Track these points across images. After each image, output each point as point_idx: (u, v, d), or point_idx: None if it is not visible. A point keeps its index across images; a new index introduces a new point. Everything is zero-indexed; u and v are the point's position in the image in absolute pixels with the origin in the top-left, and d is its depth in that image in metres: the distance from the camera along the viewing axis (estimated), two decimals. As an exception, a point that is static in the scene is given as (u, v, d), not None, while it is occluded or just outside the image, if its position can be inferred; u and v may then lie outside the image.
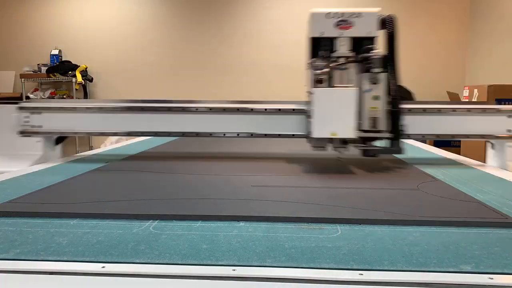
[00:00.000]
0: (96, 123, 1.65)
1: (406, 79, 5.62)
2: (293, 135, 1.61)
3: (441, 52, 5.61)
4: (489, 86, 3.81)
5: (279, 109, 1.62)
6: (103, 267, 0.67)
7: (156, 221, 0.89)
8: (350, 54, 1.44)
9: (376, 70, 1.40)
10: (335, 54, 1.44)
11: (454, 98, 4.91)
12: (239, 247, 0.74)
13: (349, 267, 0.66)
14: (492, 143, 1.68)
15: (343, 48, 1.44)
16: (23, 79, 5.70)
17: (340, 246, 0.75)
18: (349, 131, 1.36)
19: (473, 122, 1.59)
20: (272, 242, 0.77)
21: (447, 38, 5.60)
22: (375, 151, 1.45)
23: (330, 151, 1.50)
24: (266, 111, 1.62)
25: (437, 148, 2.16)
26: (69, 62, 5.82)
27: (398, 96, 1.43)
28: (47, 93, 5.74)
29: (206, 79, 5.77)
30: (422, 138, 1.63)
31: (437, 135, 1.61)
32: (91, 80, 5.84)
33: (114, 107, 1.64)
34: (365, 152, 1.45)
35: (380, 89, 1.42)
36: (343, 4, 5.58)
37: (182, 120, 1.63)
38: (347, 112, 1.36)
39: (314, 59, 1.45)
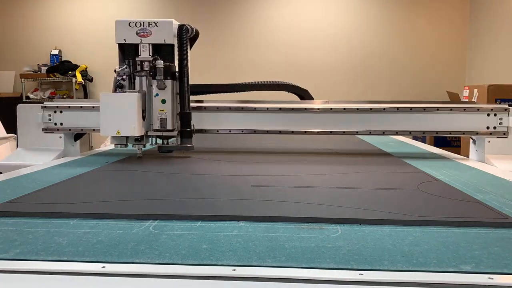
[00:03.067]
0: None
1: (406, 78, 5.65)
2: (292, 131, 1.81)
3: (441, 52, 5.61)
4: (489, 86, 3.81)
5: (280, 108, 1.81)
6: (103, 267, 0.67)
7: (156, 221, 0.89)
8: (151, 59, 1.64)
9: (159, 77, 1.60)
10: (138, 59, 1.65)
11: (454, 98, 4.91)
12: (239, 247, 0.74)
13: (349, 267, 0.66)
14: (473, 139, 1.83)
15: (144, 54, 1.65)
16: (23, 79, 5.70)
17: (340, 246, 0.75)
18: (131, 130, 1.56)
19: (455, 120, 1.75)
20: (272, 242, 0.77)
21: (447, 38, 5.60)
22: (169, 147, 1.71)
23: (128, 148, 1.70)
24: (268, 110, 1.80)
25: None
26: (69, 62, 5.82)
27: (187, 99, 1.66)
28: (47, 93, 5.74)
29: (206, 79, 5.76)
30: (409, 134, 1.81)
31: (423, 132, 1.78)
32: (91, 80, 5.84)
33: None
34: (160, 148, 1.71)
35: (167, 94, 1.63)
36: (341, 4, 5.59)
37: (192, 117, 1.73)
38: (129, 114, 1.56)
39: (121, 64, 1.67)
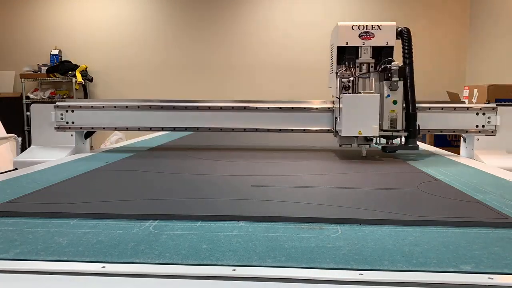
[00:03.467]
0: (121, 119, 1.93)
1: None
2: (292, 130, 1.91)
3: (441, 52, 5.61)
4: (489, 86, 3.81)
5: (280, 108, 1.91)
6: (103, 267, 0.67)
7: (156, 221, 0.89)
8: (372, 61, 1.69)
9: (395, 79, 1.63)
10: (359, 61, 1.69)
11: (454, 98, 4.91)
12: (239, 247, 0.74)
13: (349, 267, 0.66)
14: (463, 137, 1.93)
15: (365, 56, 1.69)
16: (23, 79, 5.70)
17: (340, 246, 0.75)
18: (372, 131, 1.60)
19: (446, 119, 1.84)
20: (272, 242, 0.77)
21: (447, 38, 5.60)
22: (394, 148, 1.73)
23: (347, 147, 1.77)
24: (268, 109, 1.91)
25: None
26: (69, 62, 5.82)
27: (414, 100, 1.68)
28: (47, 93, 5.74)
29: (206, 78, 5.77)
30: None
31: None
32: (91, 80, 5.84)
33: (138, 105, 1.92)
34: (385, 148, 1.73)
35: (398, 95, 1.65)
36: (341, 4, 5.59)
37: (197, 117, 1.90)
38: (371, 115, 1.60)
39: (340, 68, 1.71)
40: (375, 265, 0.67)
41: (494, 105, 1.83)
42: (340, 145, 1.74)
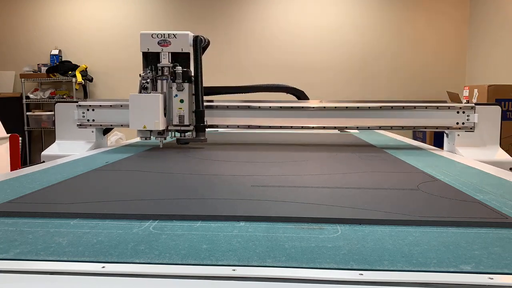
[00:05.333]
0: None
1: (406, 78, 5.65)
2: (291, 126, 2.10)
3: (441, 52, 5.61)
4: (489, 86, 3.81)
5: (280, 107, 2.10)
6: (103, 267, 0.67)
7: (156, 221, 0.89)
8: (170, 65, 1.94)
9: (179, 81, 1.92)
10: (159, 65, 1.95)
11: (454, 98, 4.91)
12: (239, 247, 0.74)
13: (349, 267, 0.66)
14: (446, 133, 2.12)
15: (165, 61, 1.94)
16: (23, 79, 5.70)
17: (340, 246, 0.75)
18: (155, 125, 1.86)
19: (430, 117, 2.03)
20: (272, 242, 0.77)
21: (447, 38, 5.59)
22: (186, 140, 2.01)
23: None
24: (270, 108, 2.10)
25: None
26: (69, 62, 5.81)
27: (202, 100, 1.97)
28: (47, 93, 5.74)
29: (206, 78, 5.76)
30: (391, 129, 2.13)
31: (402, 127, 2.08)
32: (91, 80, 5.84)
33: None
34: (179, 141, 2.01)
35: (184, 95, 1.95)
36: (342, 4, 5.59)
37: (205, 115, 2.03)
38: (153, 111, 1.86)
39: (146, 71, 1.95)
40: (375, 265, 0.67)
41: (473, 104, 2.01)
42: (140, 138, 1.95)
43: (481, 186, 1.22)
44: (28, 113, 5.75)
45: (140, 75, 1.96)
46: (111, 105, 2.10)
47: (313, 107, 2.08)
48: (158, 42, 1.92)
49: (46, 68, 5.69)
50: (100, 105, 2.10)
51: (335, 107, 2.07)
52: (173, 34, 1.93)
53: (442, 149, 2.19)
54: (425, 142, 3.94)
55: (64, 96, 5.83)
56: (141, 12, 5.83)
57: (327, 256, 0.70)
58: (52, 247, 0.74)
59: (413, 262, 0.68)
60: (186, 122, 1.94)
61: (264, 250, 0.73)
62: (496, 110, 2.00)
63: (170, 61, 1.94)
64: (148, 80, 1.91)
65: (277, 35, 5.71)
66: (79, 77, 5.58)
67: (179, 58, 1.96)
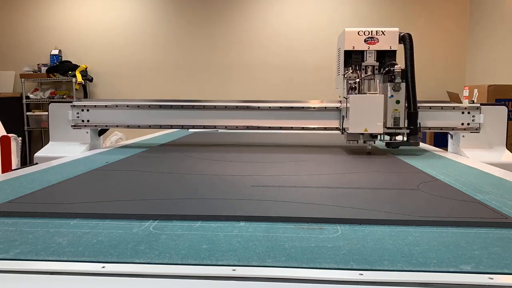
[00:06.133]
0: (133, 118, 2.07)
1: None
2: (292, 127, 2.06)
3: (441, 52, 5.61)
4: (489, 86, 3.81)
5: (280, 107, 2.06)
6: (103, 267, 0.67)
7: (156, 221, 0.89)
8: (376, 64, 1.83)
9: (398, 80, 1.77)
10: (364, 64, 1.83)
11: (454, 98, 4.91)
12: (239, 247, 0.74)
13: (349, 267, 0.66)
14: (450, 134, 2.07)
15: (370, 59, 1.83)
16: (23, 79, 5.70)
17: (340, 246, 0.75)
18: (377, 128, 1.74)
19: (434, 118, 1.99)
20: (272, 242, 0.77)
21: (447, 38, 5.60)
22: (397, 143, 1.88)
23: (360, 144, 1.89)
24: (270, 109, 2.06)
25: None
26: (69, 62, 5.81)
27: (415, 100, 1.83)
28: (47, 93, 5.74)
29: (206, 78, 5.77)
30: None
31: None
32: (91, 80, 5.84)
33: (149, 105, 2.07)
34: (389, 144, 1.89)
35: (400, 95, 1.80)
36: (341, 4, 5.59)
37: (203, 115, 2.06)
38: (376, 113, 1.73)
39: (347, 70, 1.84)
40: (375, 265, 0.67)
41: (478, 105, 1.96)
42: (347, 142, 1.85)
43: (481, 186, 1.22)
44: (28, 113, 5.75)
45: (343, 75, 1.85)
46: (106, 106, 2.05)
47: (314, 107, 2.05)
48: (364, 39, 1.82)
49: (46, 68, 5.69)
50: (95, 105, 2.06)
51: (337, 107, 2.03)
52: (382, 30, 1.82)
53: (446, 150, 2.15)
54: (424, 142, 3.94)
55: (64, 96, 5.83)
56: (141, 12, 5.83)
57: (327, 256, 0.70)
58: (52, 247, 0.74)
59: (413, 262, 0.68)
60: (401, 124, 1.81)
61: (264, 250, 0.73)
62: (502, 110, 1.96)
63: (375, 59, 1.83)
64: (356, 80, 1.82)
65: (278, 34, 5.71)
66: (79, 77, 5.58)
67: (385, 56, 1.84)
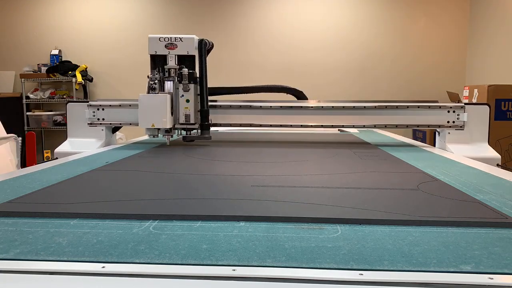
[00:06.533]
0: None
1: (406, 78, 5.67)
2: (291, 125, 2.20)
3: (441, 52, 5.61)
4: (489, 86, 3.81)
5: (281, 106, 2.21)
6: (103, 267, 0.67)
7: (156, 221, 0.89)
8: (177, 67, 2.03)
9: (185, 82, 2.01)
10: (166, 67, 2.03)
11: (454, 98, 4.91)
12: (239, 247, 0.74)
13: (349, 267, 0.66)
14: (437, 131, 2.21)
15: (171, 63, 2.04)
16: (23, 79, 5.70)
17: (340, 246, 0.75)
18: (163, 123, 1.95)
19: (422, 116, 2.14)
20: (272, 242, 0.77)
21: (447, 38, 5.60)
22: (192, 137, 2.12)
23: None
24: (271, 108, 2.21)
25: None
26: (69, 62, 5.81)
27: (206, 100, 2.08)
28: (47, 93, 5.74)
29: (210, 78, 5.76)
30: (385, 127, 2.25)
31: (396, 125, 2.17)
32: (91, 80, 5.84)
33: None
34: (185, 138, 2.12)
35: (190, 95, 2.04)
36: (343, 4, 5.59)
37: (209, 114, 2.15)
38: (161, 110, 1.94)
39: (153, 72, 2.04)
40: (375, 265, 0.67)
41: (463, 104, 2.12)
42: (148, 136, 2.05)
43: (481, 186, 1.22)
44: (28, 113, 5.75)
45: (148, 76, 2.04)
46: (120, 105, 2.19)
47: (312, 107, 2.19)
48: (165, 45, 2.02)
49: (46, 68, 5.69)
50: (110, 105, 2.20)
51: (332, 106, 2.17)
52: (180, 37, 2.02)
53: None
54: (425, 142, 3.94)
55: (64, 96, 5.83)
56: (141, 12, 5.83)
57: (327, 256, 0.70)
58: (52, 247, 0.74)
59: (413, 262, 0.68)
60: (192, 120, 2.03)
61: (264, 250, 0.73)
62: (485, 109, 2.10)
63: (176, 63, 2.04)
64: (156, 81, 2.00)
65: (277, 35, 5.71)
66: (79, 77, 5.59)
67: (185, 60, 2.06)
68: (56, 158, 1.88)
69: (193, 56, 2.06)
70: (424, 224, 0.87)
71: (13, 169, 2.65)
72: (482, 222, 0.87)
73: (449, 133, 2.11)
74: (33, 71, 5.77)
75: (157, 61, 2.07)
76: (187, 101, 2.03)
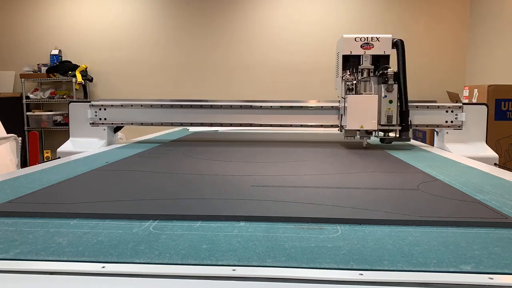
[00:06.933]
0: (146, 116, 2.26)
1: (406, 78, 5.54)
2: (291, 125, 2.24)
3: (441, 52, 5.61)
4: (489, 86, 3.81)
5: (281, 106, 2.25)
6: (103, 267, 0.67)
7: (156, 221, 0.89)
8: (371, 67, 2.01)
9: (390, 82, 1.96)
10: (361, 67, 2.01)
11: (454, 98, 4.91)
12: (239, 247, 0.74)
13: (349, 267, 0.66)
14: (436, 131, 2.26)
15: (366, 63, 2.01)
16: (23, 79, 5.70)
17: (340, 246, 0.75)
18: (372, 125, 1.94)
19: (421, 116, 2.16)
20: (272, 242, 0.77)
21: (447, 38, 5.60)
22: (390, 139, 2.08)
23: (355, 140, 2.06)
24: (271, 108, 2.25)
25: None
26: (69, 62, 5.81)
27: (407, 100, 2.02)
28: (47, 93, 5.74)
29: (207, 78, 5.77)
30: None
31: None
32: (91, 80, 5.84)
33: (161, 104, 2.26)
34: (383, 140, 2.09)
35: (393, 96, 1.98)
36: (341, 5, 5.59)
37: (210, 114, 2.25)
38: (370, 111, 1.93)
39: (345, 73, 2.02)
40: (375, 265, 0.67)
41: (461, 104, 2.15)
42: (345, 138, 2.03)
43: (481, 186, 1.22)
44: (28, 113, 5.75)
45: (342, 77, 2.04)
46: (121, 105, 2.24)
47: (311, 107, 2.23)
48: (361, 45, 2.01)
49: (46, 68, 5.69)
50: (112, 105, 2.24)
51: (332, 106, 2.22)
52: (376, 37, 2.02)
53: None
54: (425, 142, 3.94)
55: (64, 96, 5.83)
56: (141, 12, 5.83)
57: (327, 256, 0.70)
58: (52, 247, 0.74)
59: (413, 262, 0.68)
60: (394, 122, 2.00)
61: (264, 250, 0.73)
62: (483, 109, 2.13)
63: (371, 63, 2.02)
64: (354, 82, 2.00)
65: (279, 35, 5.71)
66: (79, 77, 5.59)
67: (380, 60, 2.03)
68: (59, 158, 1.91)
69: (388, 56, 2.03)
70: (424, 224, 0.87)
71: (13, 169, 2.65)
72: (482, 222, 0.87)
73: (447, 132, 2.14)
74: (33, 71, 5.77)
75: (351, 62, 2.05)
76: (390, 101, 1.99)
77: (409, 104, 2.11)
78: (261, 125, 2.24)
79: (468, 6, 5.52)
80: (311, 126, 2.22)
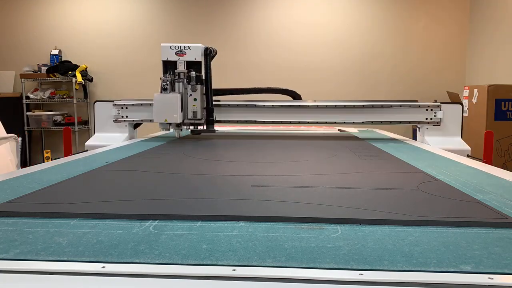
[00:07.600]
0: None
1: (406, 78, 5.66)
2: (290, 122, 2.51)
3: (441, 52, 5.61)
4: (489, 86, 3.81)
5: (281, 105, 2.50)
6: (103, 267, 0.67)
7: (156, 221, 0.89)
8: (186, 71, 2.35)
9: (193, 83, 2.33)
10: (177, 71, 2.35)
11: (454, 98, 4.91)
12: (239, 247, 0.74)
13: (349, 267, 0.66)
14: (418, 127, 2.53)
15: (181, 67, 2.35)
16: (23, 79, 5.71)
17: (340, 246, 0.75)
18: (174, 118, 2.29)
19: (404, 114, 2.45)
20: (272, 242, 0.77)
21: (447, 38, 5.60)
22: (198, 131, 2.46)
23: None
24: (273, 107, 2.50)
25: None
26: (69, 62, 5.82)
27: (211, 99, 2.39)
28: (47, 93, 5.74)
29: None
30: (371, 124, 2.52)
31: (381, 122, 2.48)
32: (91, 80, 5.84)
33: None
34: (193, 132, 2.47)
35: (197, 94, 2.35)
36: (343, 5, 5.59)
37: (218, 112, 2.48)
38: (173, 108, 2.28)
39: (166, 76, 2.35)
40: (375, 265, 0.67)
41: (439, 103, 2.42)
42: (161, 130, 2.43)
43: (481, 186, 1.22)
44: (28, 113, 5.75)
45: (160, 78, 2.34)
46: (141, 104, 2.50)
47: (308, 106, 2.48)
48: (175, 52, 2.33)
49: (46, 68, 5.70)
50: (133, 104, 2.50)
51: (326, 105, 2.47)
52: (188, 46, 2.32)
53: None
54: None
55: (64, 96, 5.83)
56: (141, 12, 5.83)
57: (327, 256, 0.70)
58: (52, 247, 0.74)
59: (413, 262, 0.68)
60: (199, 116, 2.35)
61: (264, 250, 0.73)
62: (458, 108, 2.42)
63: (185, 68, 2.33)
64: (168, 82, 2.31)
65: (277, 34, 5.71)
66: (79, 77, 5.59)
67: (192, 65, 2.35)
68: (87, 150, 2.15)
69: (200, 62, 2.34)
70: (424, 224, 0.87)
71: (13, 169, 2.65)
72: (482, 222, 0.87)
73: (427, 128, 2.42)
74: (33, 71, 5.78)
75: (169, 66, 2.35)
76: (195, 99, 2.33)
77: (394, 103, 2.43)
78: (263, 122, 2.50)
79: (468, 7, 5.53)
80: (308, 123, 2.50)
